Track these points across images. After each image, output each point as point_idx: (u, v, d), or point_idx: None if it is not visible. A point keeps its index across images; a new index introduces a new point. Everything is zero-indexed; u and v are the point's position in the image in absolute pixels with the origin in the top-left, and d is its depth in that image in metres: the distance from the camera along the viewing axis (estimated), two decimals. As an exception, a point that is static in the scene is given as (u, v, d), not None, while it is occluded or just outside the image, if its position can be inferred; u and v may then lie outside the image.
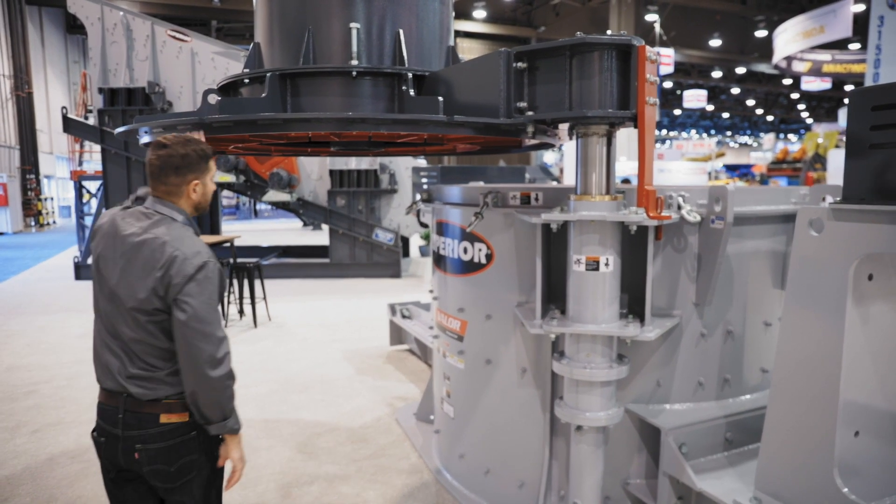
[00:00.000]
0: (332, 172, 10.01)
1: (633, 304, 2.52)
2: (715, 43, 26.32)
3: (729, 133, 56.51)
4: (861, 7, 18.87)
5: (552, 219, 2.30)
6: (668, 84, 33.68)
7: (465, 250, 3.03)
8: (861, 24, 18.67)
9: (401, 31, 2.61)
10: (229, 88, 2.83)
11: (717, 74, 32.30)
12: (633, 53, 2.14)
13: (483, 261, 2.93)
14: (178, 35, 9.58)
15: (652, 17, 23.10)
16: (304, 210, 10.12)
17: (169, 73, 9.70)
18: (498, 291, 2.88)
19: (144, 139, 2.64)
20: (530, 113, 2.26)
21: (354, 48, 2.51)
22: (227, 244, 7.91)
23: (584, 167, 2.33)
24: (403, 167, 10.24)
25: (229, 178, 9.48)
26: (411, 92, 2.44)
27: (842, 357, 1.90)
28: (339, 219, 10.03)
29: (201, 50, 9.59)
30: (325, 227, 19.24)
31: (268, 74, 2.44)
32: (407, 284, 9.75)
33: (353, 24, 2.51)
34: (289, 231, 19.06)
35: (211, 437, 1.92)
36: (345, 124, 2.15)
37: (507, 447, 2.94)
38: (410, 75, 2.46)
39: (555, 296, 2.64)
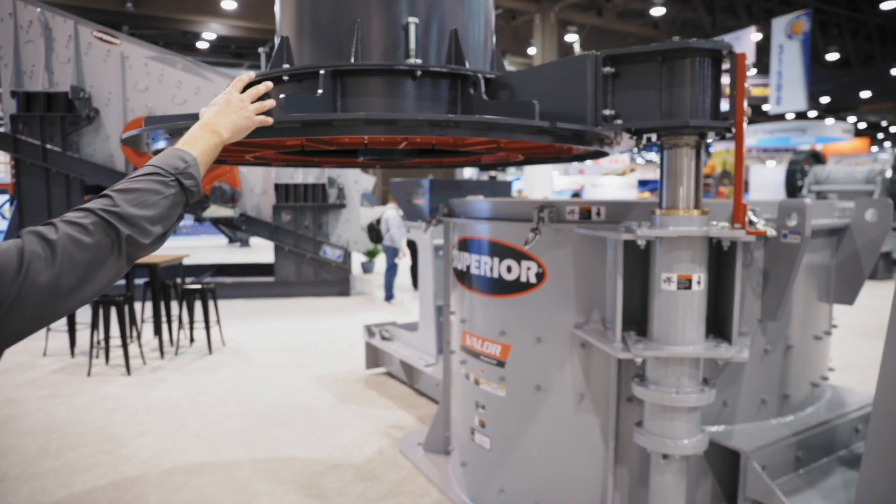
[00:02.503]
0: (277, 186, 9.52)
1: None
2: (629, 65, 27.54)
3: (635, 150, 59.34)
4: (760, 36, 20.27)
5: (644, 235, 2.15)
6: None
7: (510, 269, 2.83)
8: (762, 51, 20.11)
9: (457, 30, 2.40)
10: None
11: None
12: (733, 61, 2.04)
13: (533, 280, 2.74)
14: (105, 37, 8.84)
15: (572, 38, 23.89)
16: (248, 226, 9.55)
17: (95, 77, 8.93)
18: (551, 312, 2.70)
19: (160, 145, 2.28)
20: (619, 121, 2.11)
21: (413, 46, 2.27)
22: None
23: (671, 180, 2.20)
24: (352, 181, 9.89)
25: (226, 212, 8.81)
26: (483, 96, 2.23)
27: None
28: (284, 235, 9.53)
29: (133, 54, 8.90)
30: (254, 243, 18.44)
31: (321, 71, 2.16)
32: (358, 303, 9.38)
33: (411, 19, 2.28)
34: (214, 248, 18.07)
35: None
36: (437, 128, 1.91)
37: (560, 478, 2.75)
38: (482, 77, 2.25)
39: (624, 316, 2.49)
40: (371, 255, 11.93)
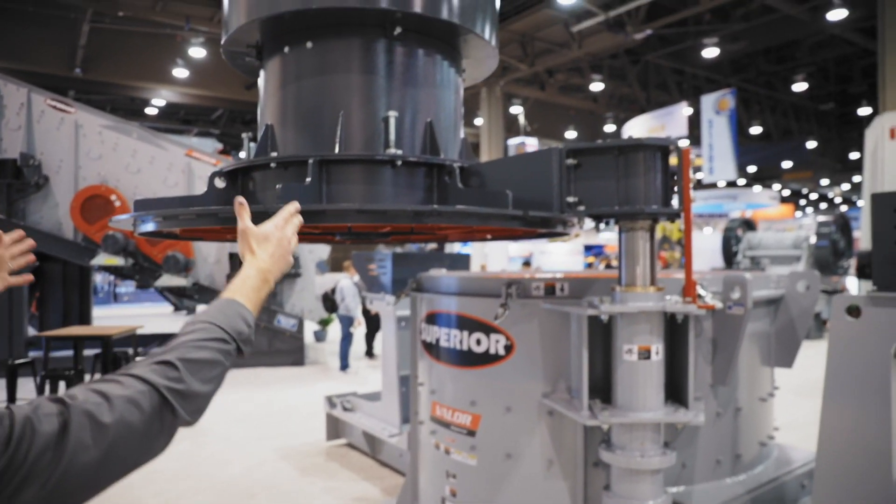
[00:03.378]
0: (231, 255, 9.49)
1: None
2: (570, 134, 28.88)
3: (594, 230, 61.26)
4: (691, 110, 21.75)
5: (607, 311, 2.35)
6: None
7: (479, 342, 2.98)
8: (693, 124, 21.54)
9: (432, 122, 2.62)
10: (237, 173, 2.65)
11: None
12: (679, 155, 2.32)
13: (502, 352, 2.90)
14: (60, 105, 8.84)
15: (516, 110, 25.02)
16: (201, 295, 9.42)
17: (47, 144, 8.86)
18: (519, 383, 2.85)
19: (147, 228, 2.39)
20: (581, 208, 2.35)
21: (393, 136, 2.47)
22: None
23: (629, 259, 2.43)
24: (307, 250, 9.96)
25: (116, 261, 8.65)
26: (458, 184, 2.44)
27: (892, 431, 2.09)
28: (237, 304, 9.42)
29: (87, 122, 8.91)
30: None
31: (309, 161, 2.33)
32: (313, 372, 9.28)
33: (391, 113, 2.49)
34: (159, 317, 17.53)
35: None
36: (422, 217, 2.09)
37: (532, 545, 2.83)
38: (457, 167, 2.46)
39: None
40: (325, 323, 11.87)
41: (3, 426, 0.82)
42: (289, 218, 1.54)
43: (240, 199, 1.51)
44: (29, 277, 1.61)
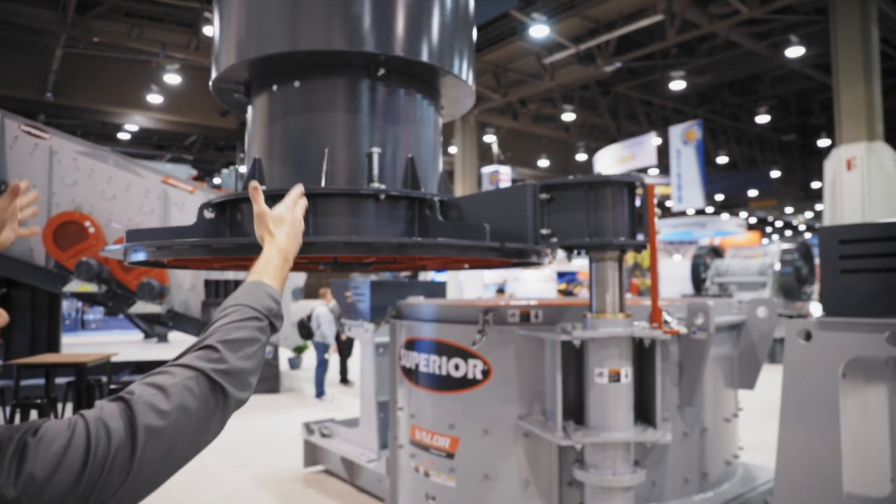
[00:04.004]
0: (207, 283, 9.47)
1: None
2: (543, 163, 29.39)
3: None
4: (660, 140, 22.36)
5: (580, 336, 2.50)
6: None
7: (457, 367, 3.10)
8: (662, 153, 22.12)
9: (413, 157, 2.77)
10: (226, 205, 2.75)
11: (543, 190, 35.84)
12: (644, 191, 2.50)
13: (479, 377, 3.02)
14: (34, 131, 8.83)
15: (490, 139, 25.44)
16: (175, 322, 9.35)
17: (19, 170, 8.81)
18: (496, 406, 2.97)
19: (137, 257, 2.48)
20: (554, 239, 2.50)
21: (376, 171, 2.61)
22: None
23: (599, 287, 2.58)
24: (283, 276, 9.97)
25: (90, 287, 8.58)
26: (438, 217, 2.57)
27: (840, 445, 2.25)
28: (212, 331, 9.38)
29: (62, 148, 8.90)
30: (173, 338, 17.71)
31: (298, 195, 2.44)
32: (288, 399, 9.25)
33: (374, 149, 2.62)
34: (130, 344, 17.24)
35: None
36: (406, 249, 2.22)
37: (509, 565, 2.92)
38: (437, 200, 2.60)
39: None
40: (299, 350, 11.84)
41: (79, 431, 0.90)
42: (297, 199, 1.62)
43: (254, 183, 1.57)
44: (35, 230, 1.60)
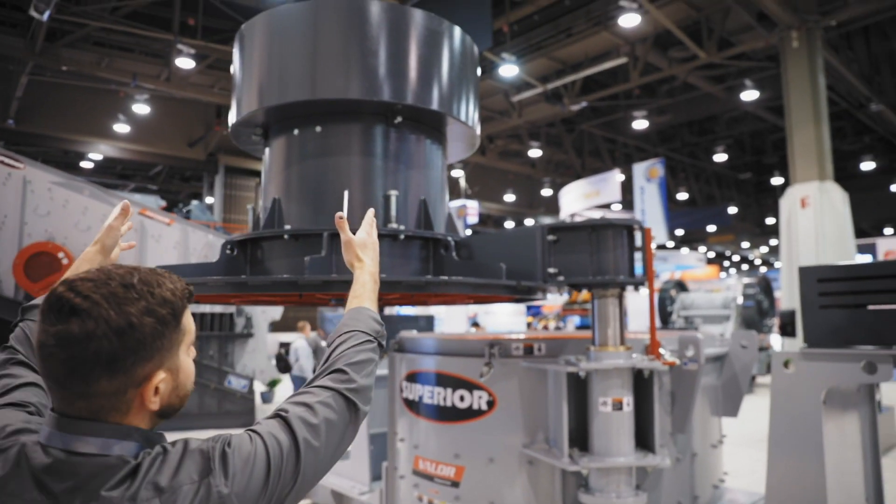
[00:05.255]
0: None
1: (631, 438, 2.92)
2: (509, 198, 29.96)
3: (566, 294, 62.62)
4: (624, 177, 23.09)
5: (586, 368, 2.68)
6: (469, 232, 37.01)
7: (462, 398, 3.24)
8: (626, 189, 22.83)
9: (425, 199, 2.95)
10: (247, 242, 2.87)
11: (509, 224, 36.47)
12: (642, 234, 2.72)
13: (484, 407, 3.16)
14: (7, 160, 8.73)
15: (458, 174, 25.87)
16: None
17: (-9, 200, 8.69)
18: (501, 435, 3.11)
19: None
20: (560, 278, 2.70)
21: (395, 213, 2.77)
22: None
23: (601, 322, 2.78)
24: (260, 310, 9.97)
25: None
26: (454, 256, 2.75)
27: (824, 468, 2.47)
28: (187, 365, 9.27)
29: (36, 178, 8.81)
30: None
31: (324, 234, 2.59)
32: (263, 433, 9.15)
33: (392, 192, 2.79)
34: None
35: None
36: (433, 287, 2.39)
37: (514, 590, 3.04)
38: (452, 241, 2.77)
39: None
40: (273, 384, 11.74)
41: (257, 440, 1.09)
42: (372, 222, 1.79)
43: (340, 214, 1.72)
44: (133, 244, 1.80)
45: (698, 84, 16.40)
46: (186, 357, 1.14)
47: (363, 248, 1.67)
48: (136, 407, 1.04)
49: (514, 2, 13.19)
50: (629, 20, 12.18)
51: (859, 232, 12.45)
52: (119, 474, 0.97)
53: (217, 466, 1.03)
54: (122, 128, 18.92)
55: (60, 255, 8.96)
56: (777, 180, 23.77)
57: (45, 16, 10.44)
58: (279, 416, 1.17)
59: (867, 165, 22.35)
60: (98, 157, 21.25)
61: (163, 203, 17.58)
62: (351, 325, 1.44)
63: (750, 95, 16.10)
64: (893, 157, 22.89)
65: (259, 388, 12.08)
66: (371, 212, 1.84)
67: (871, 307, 2.57)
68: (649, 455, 2.73)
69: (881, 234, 24.58)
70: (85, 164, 22.79)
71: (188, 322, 1.14)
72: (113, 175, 24.84)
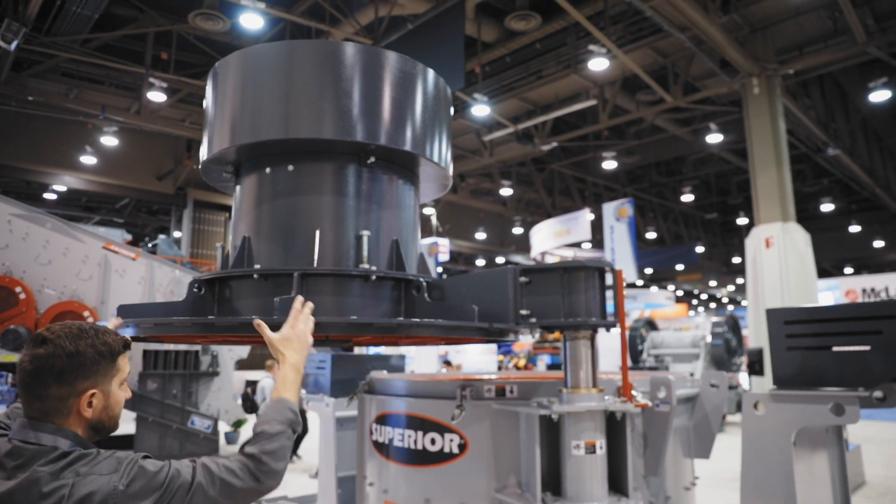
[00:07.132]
0: (146, 353, 9.11)
1: (604, 482, 2.88)
2: (480, 236, 30.14)
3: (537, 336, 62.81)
4: (593, 216, 23.47)
5: (558, 410, 2.65)
6: (440, 269, 37.04)
7: (433, 441, 3.17)
8: (595, 228, 23.17)
9: (397, 240, 2.93)
10: (215, 281, 2.80)
11: (480, 262, 36.64)
12: (614, 275, 2.74)
13: (456, 450, 3.10)
14: (-34, 194, 8.50)
15: (429, 211, 26.01)
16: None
17: (-54, 234, 8.42)
18: (473, 479, 3.04)
19: (127, 333, 2.49)
20: (533, 319, 2.69)
21: (365, 253, 2.75)
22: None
23: (573, 364, 2.76)
24: (226, 349, 9.74)
25: (16, 358, 8.10)
26: (426, 297, 2.72)
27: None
28: (149, 405, 8.96)
29: (-6, 209, 8.59)
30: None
31: (294, 274, 2.54)
32: (227, 476, 8.84)
33: (364, 232, 2.77)
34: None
35: None
36: (404, 329, 2.35)
37: None
38: (424, 282, 2.75)
39: (538, 479, 2.90)
40: (237, 425, 11.40)
41: (161, 468, 1.44)
42: (297, 315, 2.00)
43: (257, 320, 1.98)
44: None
45: (665, 126, 16.89)
46: (118, 389, 1.56)
47: (285, 343, 1.88)
48: (75, 414, 1.47)
49: (486, 44, 13.49)
50: (598, 64, 12.53)
51: (821, 271, 12.78)
52: (50, 457, 1.39)
53: (123, 469, 1.40)
54: (88, 159, 18.65)
55: (18, 289, 8.68)
56: (742, 220, 24.38)
57: (13, 46, 10.32)
58: (193, 460, 1.50)
59: (826, 207, 23.11)
60: (62, 188, 20.85)
61: (128, 237, 17.27)
62: (271, 416, 1.68)
63: (715, 138, 16.61)
64: (851, 200, 23.74)
65: (224, 428, 11.74)
66: (299, 301, 2.04)
67: (835, 348, 2.61)
68: (623, 499, 2.69)
69: (842, 274, 25.29)
70: (48, 196, 22.35)
71: (123, 363, 1.57)
72: (78, 207, 24.38)
